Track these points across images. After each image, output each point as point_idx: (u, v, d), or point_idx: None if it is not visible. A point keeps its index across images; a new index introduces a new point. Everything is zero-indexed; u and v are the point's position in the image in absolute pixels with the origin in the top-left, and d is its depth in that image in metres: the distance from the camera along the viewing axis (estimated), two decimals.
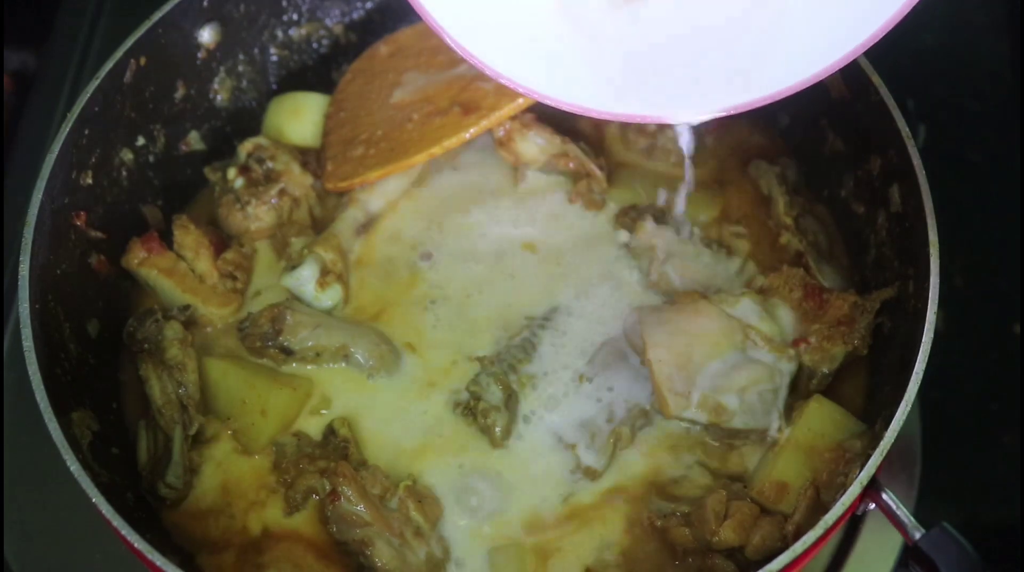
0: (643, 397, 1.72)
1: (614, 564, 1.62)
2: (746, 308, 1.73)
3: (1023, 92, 2.11)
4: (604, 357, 1.78)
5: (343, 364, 1.78)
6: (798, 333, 1.73)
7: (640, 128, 1.98)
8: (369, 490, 1.62)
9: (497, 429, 1.70)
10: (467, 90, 1.88)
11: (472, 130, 1.84)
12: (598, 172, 1.92)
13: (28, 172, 2.05)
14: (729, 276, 1.84)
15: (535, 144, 1.94)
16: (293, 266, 1.83)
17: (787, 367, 1.70)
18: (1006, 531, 1.95)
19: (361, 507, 1.59)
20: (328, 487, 1.63)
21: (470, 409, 1.72)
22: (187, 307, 1.80)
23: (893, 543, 1.81)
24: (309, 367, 1.78)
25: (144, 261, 1.82)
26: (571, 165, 1.94)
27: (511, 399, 1.72)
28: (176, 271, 1.82)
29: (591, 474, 1.69)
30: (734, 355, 1.70)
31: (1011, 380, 2.05)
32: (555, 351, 1.79)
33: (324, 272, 1.82)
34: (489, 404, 1.70)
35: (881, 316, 1.73)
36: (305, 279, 1.81)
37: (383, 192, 1.93)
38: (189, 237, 1.83)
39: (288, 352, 1.77)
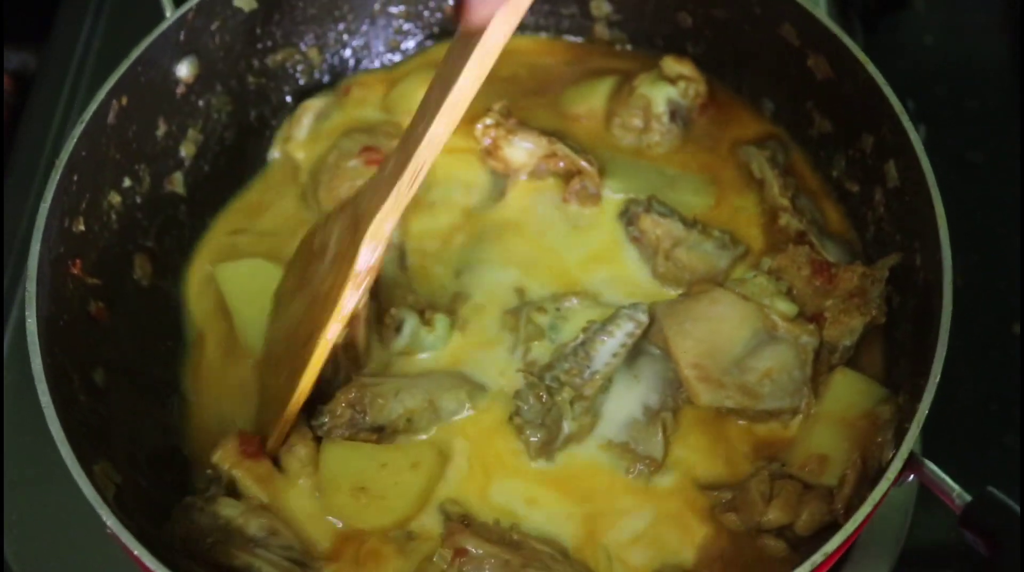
0: (671, 386, 1.73)
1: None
2: (760, 289, 1.74)
3: (1023, 92, 2.14)
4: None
5: (436, 422, 1.73)
6: (814, 309, 1.74)
7: (624, 123, 1.99)
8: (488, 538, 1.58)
9: (533, 440, 1.68)
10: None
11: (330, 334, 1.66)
12: (589, 167, 1.91)
13: (28, 172, 2.08)
14: (734, 262, 1.85)
15: (522, 149, 1.92)
16: (397, 329, 1.78)
17: (810, 342, 1.70)
18: None
19: (490, 547, 1.55)
20: (448, 553, 1.56)
21: (513, 422, 1.70)
22: (218, 478, 1.66)
23: (891, 542, 1.82)
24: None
25: (237, 464, 1.68)
26: (561, 164, 1.93)
27: (550, 414, 1.69)
28: (268, 479, 1.68)
29: (653, 465, 1.68)
30: (756, 337, 1.70)
31: (1011, 381, 2.07)
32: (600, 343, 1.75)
33: (420, 313, 1.79)
34: (524, 419, 1.69)
35: (889, 287, 1.74)
36: (414, 330, 1.78)
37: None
38: (295, 461, 1.69)
39: (379, 430, 1.70)
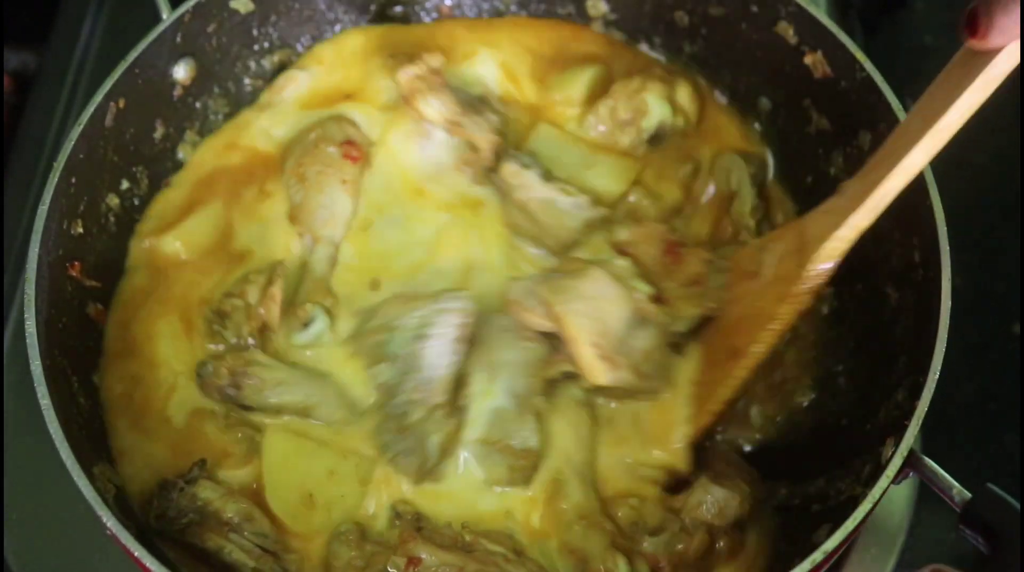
0: (534, 366, 1.69)
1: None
2: (625, 271, 1.73)
3: (1023, 92, 2.13)
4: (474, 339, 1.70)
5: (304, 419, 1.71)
6: (658, 289, 1.74)
7: (614, 110, 1.96)
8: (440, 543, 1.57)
9: (409, 468, 1.64)
10: None
11: None
12: (485, 149, 1.88)
13: (28, 173, 2.10)
14: (587, 227, 1.83)
15: (433, 108, 1.89)
16: (304, 324, 1.76)
17: (670, 325, 1.71)
18: None
19: (443, 555, 1.54)
20: (401, 561, 1.54)
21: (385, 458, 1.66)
22: (203, 462, 1.65)
23: (890, 543, 1.82)
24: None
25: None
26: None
27: (414, 435, 1.64)
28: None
29: (531, 457, 1.64)
30: (633, 317, 1.68)
31: (1010, 380, 2.07)
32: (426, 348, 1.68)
33: (331, 316, 1.79)
34: (394, 452, 1.65)
35: (887, 286, 1.75)
36: (320, 332, 1.77)
37: (343, 219, 1.88)
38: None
39: (246, 408, 1.69)
